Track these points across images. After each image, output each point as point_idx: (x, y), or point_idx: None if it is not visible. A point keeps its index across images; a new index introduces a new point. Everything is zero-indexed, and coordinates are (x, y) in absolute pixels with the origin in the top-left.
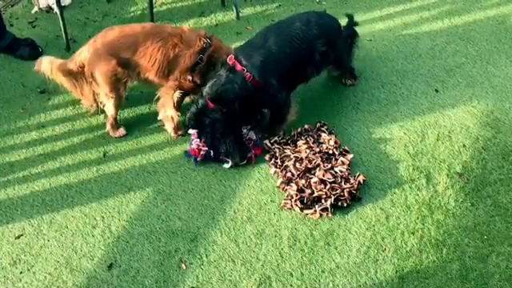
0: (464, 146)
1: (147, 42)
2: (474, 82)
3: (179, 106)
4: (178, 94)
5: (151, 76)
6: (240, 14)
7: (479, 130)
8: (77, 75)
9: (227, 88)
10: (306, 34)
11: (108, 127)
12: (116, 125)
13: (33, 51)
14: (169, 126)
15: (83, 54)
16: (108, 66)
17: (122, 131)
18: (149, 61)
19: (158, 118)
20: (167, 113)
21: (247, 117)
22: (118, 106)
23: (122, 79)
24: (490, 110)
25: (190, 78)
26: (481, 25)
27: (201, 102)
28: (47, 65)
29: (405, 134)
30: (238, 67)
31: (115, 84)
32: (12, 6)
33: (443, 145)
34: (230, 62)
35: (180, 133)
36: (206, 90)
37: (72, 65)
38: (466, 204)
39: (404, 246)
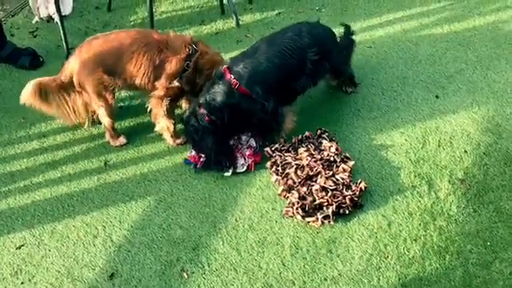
0: (465, 151)
1: (132, 47)
2: (475, 88)
3: (172, 114)
4: (166, 102)
5: (137, 81)
6: (240, 22)
7: (480, 135)
8: (68, 88)
9: (215, 95)
10: (297, 43)
11: (107, 137)
12: (115, 134)
13: (34, 61)
14: (166, 136)
15: (71, 65)
16: (94, 74)
17: (122, 140)
18: (134, 66)
19: (155, 130)
20: (161, 124)
21: (237, 126)
22: (111, 113)
23: (109, 87)
24: (491, 115)
25: (177, 84)
26: (480, 31)
27: (194, 107)
28: (33, 88)
29: (406, 140)
30: (227, 76)
31: (103, 92)
32: (13, 15)
33: (444, 151)
34: (222, 71)
35: (178, 141)
36: (200, 96)
37: (63, 77)
38: (468, 210)
39: (406, 253)
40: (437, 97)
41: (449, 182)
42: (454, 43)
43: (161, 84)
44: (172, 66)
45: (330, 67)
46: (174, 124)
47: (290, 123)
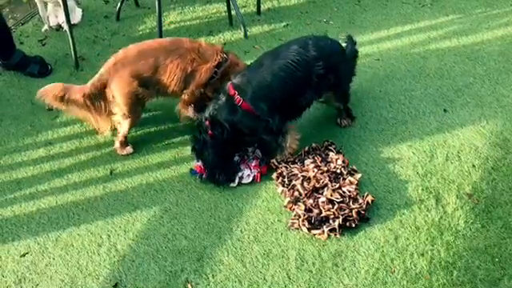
0: (473, 166)
1: (167, 59)
2: (483, 102)
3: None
4: (192, 106)
5: (169, 90)
6: (248, 33)
7: (489, 150)
8: (96, 97)
9: (218, 110)
10: (303, 56)
11: (117, 144)
12: (125, 143)
13: (42, 69)
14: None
15: (104, 76)
16: (129, 87)
17: (129, 149)
18: (168, 77)
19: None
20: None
21: (239, 142)
22: (134, 125)
23: (143, 99)
24: (500, 130)
25: (202, 91)
26: (488, 45)
27: (201, 119)
28: (57, 90)
29: (413, 153)
30: (231, 91)
31: (135, 104)
32: (22, 24)
33: (452, 165)
34: (227, 87)
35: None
36: (206, 109)
37: (93, 88)
38: (476, 225)
39: (413, 267)
40: (445, 110)
41: (457, 196)
42: (463, 57)
43: (189, 91)
44: (202, 74)
45: (335, 81)
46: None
47: (293, 143)
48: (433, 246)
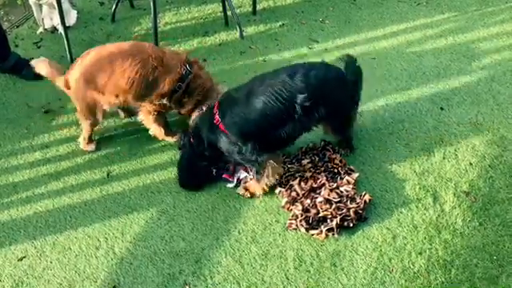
0: (470, 164)
1: (125, 63)
2: (479, 100)
3: (160, 120)
4: (154, 114)
5: (129, 98)
6: (244, 34)
7: (485, 147)
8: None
9: (199, 124)
10: (287, 86)
11: (80, 139)
12: (89, 140)
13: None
14: (160, 135)
15: (69, 77)
16: (84, 92)
17: (92, 146)
18: (126, 82)
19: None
20: (152, 130)
21: (216, 158)
22: (94, 126)
23: (100, 104)
24: (496, 127)
25: (166, 103)
26: (485, 42)
27: (191, 124)
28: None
29: (410, 152)
30: (214, 109)
31: (92, 108)
32: (17, 26)
33: (449, 163)
34: (215, 103)
35: (173, 138)
36: (195, 116)
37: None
38: (473, 223)
39: (411, 266)
40: (441, 108)
41: (454, 194)
42: (459, 55)
43: (149, 100)
44: (164, 85)
45: (327, 113)
46: (165, 126)
47: (271, 175)
48: (431, 244)
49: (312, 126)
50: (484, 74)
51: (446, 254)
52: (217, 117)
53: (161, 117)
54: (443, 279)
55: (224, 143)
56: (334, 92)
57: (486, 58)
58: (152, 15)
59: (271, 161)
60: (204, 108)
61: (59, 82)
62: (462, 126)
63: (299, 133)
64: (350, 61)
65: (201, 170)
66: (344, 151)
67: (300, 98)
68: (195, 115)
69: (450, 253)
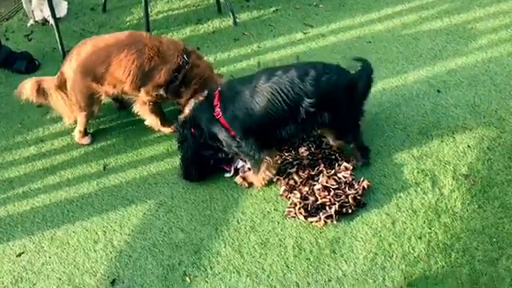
0: (469, 146)
1: (121, 53)
2: (477, 81)
3: (156, 110)
4: (150, 105)
5: (125, 88)
6: (237, 20)
7: (483, 129)
8: (64, 89)
9: (198, 115)
10: (296, 87)
11: (76, 132)
12: (84, 133)
13: (30, 65)
14: (158, 128)
15: (64, 70)
16: (82, 83)
17: (87, 139)
18: (123, 73)
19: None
20: (148, 120)
21: (217, 148)
22: (90, 118)
23: (97, 94)
24: (494, 109)
25: (162, 93)
26: (481, 22)
27: (188, 115)
28: (32, 86)
29: (408, 136)
30: (215, 101)
31: (89, 99)
32: (7, 19)
33: (447, 146)
34: (214, 93)
35: (170, 129)
36: (193, 106)
37: (57, 81)
38: (473, 206)
39: (411, 251)
40: (438, 91)
41: (453, 177)
42: (455, 36)
43: (146, 90)
44: (161, 75)
45: (332, 120)
46: (161, 116)
47: (267, 171)
48: (430, 228)
49: (312, 129)
50: (481, 55)
51: (446, 237)
52: (217, 110)
53: (157, 107)
54: (443, 263)
55: (224, 137)
56: (343, 100)
57: (483, 39)
58: (143, 4)
59: (267, 157)
60: (201, 97)
61: (48, 84)
62: (460, 108)
63: (300, 134)
64: (366, 69)
65: (206, 159)
66: (356, 163)
67: (307, 102)
68: (191, 104)
69: (449, 236)
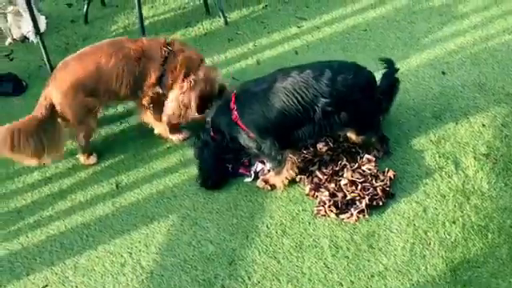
0: (483, 125)
1: (110, 62)
2: (479, 60)
3: (161, 118)
4: (151, 108)
5: (121, 95)
6: (228, 20)
7: (495, 107)
8: (51, 119)
9: (217, 119)
10: (310, 87)
11: (79, 155)
12: (89, 153)
13: (17, 86)
14: (165, 134)
15: (49, 95)
16: (75, 100)
17: (93, 158)
18: (116, 82)
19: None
20: (157, 128)
21: (238, 151)
22: (90, 136)
23: (94, 108)
24: (501, 85)
25: (158, 90)
26: (471, 1)
27: (207, 120)
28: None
29: (422, 121)
30: (231, 105)
31: (86, 115)
32: None
33: (463, 127)
34: (230, 96)
35: (175, 136)
36: (209, 111)
37: (43, 111)
38: (499, 185)
39: (448, 236)
40: (443, 73)
41: (474, 158)
42: (449, 16)
43: (142, 92)
44: (152, 74)
45: (351, 119)
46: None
47: (287, 170)
48: (462, 211)
49: (333, 130)
50: (478, 33)
51: (479, 219)
52: (235, 113)
53: (159, 111)
54: (481, 245)
55: (243, 139)
56: (360, 100)
57: (476, 17)
58: (137, 8)
59: (290, 155)
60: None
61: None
62: (467, 88)
63: (319, 135)
64: (389, 69)
65: (225, 163)
66: (378, 154)
67: (322, 102)
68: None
69: (482, 217)
